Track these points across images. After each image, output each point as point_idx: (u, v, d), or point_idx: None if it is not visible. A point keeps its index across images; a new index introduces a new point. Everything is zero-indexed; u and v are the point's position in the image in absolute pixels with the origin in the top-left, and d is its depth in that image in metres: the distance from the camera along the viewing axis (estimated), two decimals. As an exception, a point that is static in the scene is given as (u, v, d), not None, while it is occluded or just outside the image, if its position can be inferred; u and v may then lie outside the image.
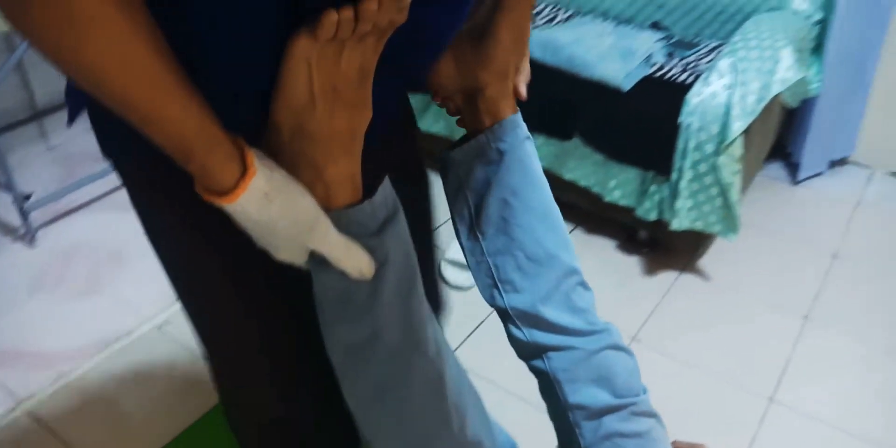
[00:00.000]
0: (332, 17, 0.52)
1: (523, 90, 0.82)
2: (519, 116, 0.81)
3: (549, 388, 0.80)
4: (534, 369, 0.82)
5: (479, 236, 0.81)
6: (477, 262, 0.82)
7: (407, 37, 0.60)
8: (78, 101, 0.65)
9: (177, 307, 1.68)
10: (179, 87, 0.50)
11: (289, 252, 0.62)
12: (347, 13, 0.52)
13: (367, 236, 0.63)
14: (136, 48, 0.47)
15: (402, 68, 0.67)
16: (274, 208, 0.57)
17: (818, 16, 1.90)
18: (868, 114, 2.11)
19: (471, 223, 0.82)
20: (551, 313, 0.78)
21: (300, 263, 0.64)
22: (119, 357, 1.59)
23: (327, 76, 0.56)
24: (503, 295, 0.81)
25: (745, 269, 1.83)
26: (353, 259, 0.62)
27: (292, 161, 0.60)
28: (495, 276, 0.81)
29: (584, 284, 0.81)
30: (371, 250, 0.63)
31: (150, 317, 1.69)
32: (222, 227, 0.59)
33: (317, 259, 0.62)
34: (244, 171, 0.55)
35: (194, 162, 0.53)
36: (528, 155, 0.81)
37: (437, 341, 0.70)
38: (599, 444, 0.76)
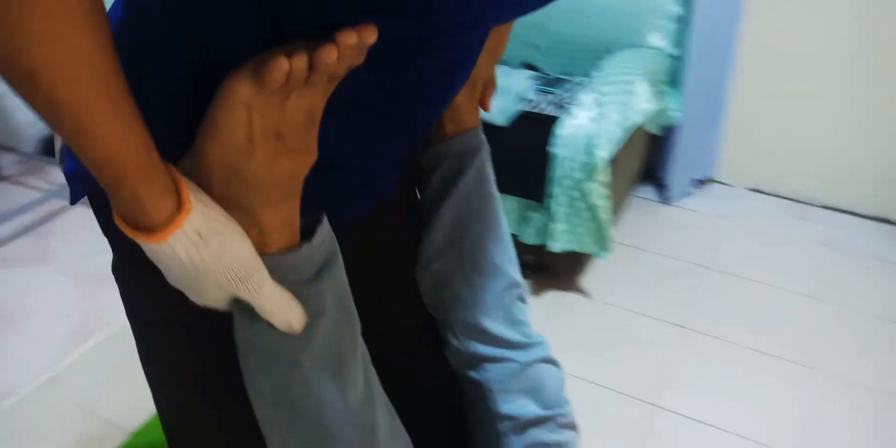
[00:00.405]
0: (282, 65, 0.45)
1: (489, 103, 0.82)
2: (480, 128, 0.80)
3: (479, 398, 0.80)
4: (466, 378, 0.82)
5: (427, 243, 0.79)
6: (422, 269, 0.80)
7: (420, 95, 0.58)
8: (77, 182, 0.61)
9: (66, 363, 1.65)
10: (125, 98, 0.44)
11: (211, 298, 0.54)
12: (301, 63, 0.46)
13: (302, 284, 0.57)
14: (89, 46, 0.41)
15: (408, 128, 0.64)
16: (207, 252, 0.49)
17: (674, 52, 2.08)
18: (726, 137, 2.33)
19: (420, 229, 0.81)
20: (492, 325, 0.78)
21: (221, 308, 0.56)
22: (6, 417, 1.54)
23: (270, 122, 0.50)
24: (446, 304, 0.79)
25: (623, 285, 1.97)
26: (284, 313, 0.55)
27: (222, 203, 0.52)
28: (440, 284, 0.79)
29: (522, 297, 0.82)
30: (306, 300, 0.57)
31: (38, 374, 1.65)
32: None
33: (242, 306, 0.55)
34: (179, 206, 0.48)
35: (125, 189, 0.46)
36: (485, 167, 0.79)
37: (369, 386, 0.65)
38: None
